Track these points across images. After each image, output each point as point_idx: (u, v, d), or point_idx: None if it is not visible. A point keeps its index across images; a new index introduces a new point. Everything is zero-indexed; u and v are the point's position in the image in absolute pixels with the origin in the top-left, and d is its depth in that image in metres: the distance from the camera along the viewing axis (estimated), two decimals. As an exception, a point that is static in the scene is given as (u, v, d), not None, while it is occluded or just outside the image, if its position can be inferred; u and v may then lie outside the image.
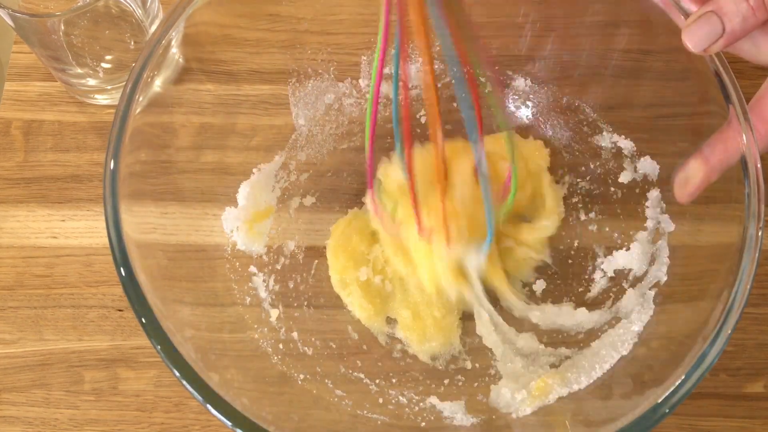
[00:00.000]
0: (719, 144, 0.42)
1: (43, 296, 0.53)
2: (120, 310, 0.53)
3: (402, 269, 0.51)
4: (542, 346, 0.50)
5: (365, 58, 0.57)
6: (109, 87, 0.58)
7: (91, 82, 0.57)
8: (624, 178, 0.53)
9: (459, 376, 0.49)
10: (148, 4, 0.56)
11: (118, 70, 0.58)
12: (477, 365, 0.50)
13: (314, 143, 0.56)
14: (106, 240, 0.40)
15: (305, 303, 0.52)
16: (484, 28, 0.56)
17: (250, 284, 0.51)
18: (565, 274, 0.52)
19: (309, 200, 0.55)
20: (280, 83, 0.55)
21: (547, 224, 0.52)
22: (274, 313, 0.51)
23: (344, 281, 0.51)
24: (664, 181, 0.51)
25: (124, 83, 0.44)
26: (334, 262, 0.52)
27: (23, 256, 0.54)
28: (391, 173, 0.52)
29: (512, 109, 0.57)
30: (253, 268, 0.52)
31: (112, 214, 0.41)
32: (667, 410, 0.38)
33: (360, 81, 0.57)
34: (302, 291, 0.52)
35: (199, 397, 0.38)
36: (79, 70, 0.56)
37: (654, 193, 0.52)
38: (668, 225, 0.50)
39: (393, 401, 0.48)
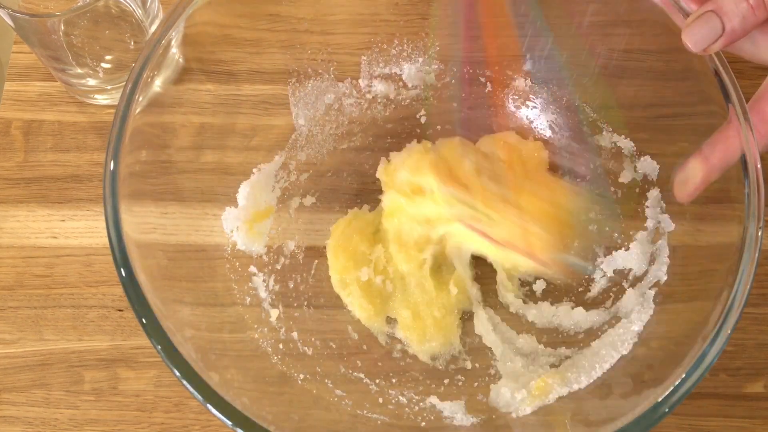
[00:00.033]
0: (719, 144, 0.42)
1: (43, 296, 0.53)
2: (120, 310, 0.53)
3: (404, 266, 0.51)
4: (542, 346, 0.50)
5: (365, 58, 0.57)
6: (109, 87, 0.58)
7: (91, 82, 0.57)
8: (624, 177, 0.53)
9: (459, 376, 0.49)
10: (148, 4, 0.56)
11: (118, 70, 0.58)
12: (477, 365, 0.50)
13: (314, 143, 0.56)
14: (106, 240, 0.40)
15: (305, 303, 0.52)
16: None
17: (250, 284, 0.51)
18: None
19: (309, 200, 0.55)
20: (280, 83, 0.55)
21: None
22: (274, 313, 0.51)
23: (344, 281, 0.51)
24: (664, 181, 0.51)
25: (124, 83, 0.44)
26: (334, 262, 0.52)
27: (23, 256, 0.54)
28: (392, 173, 0.53)
29: (512, 109, 0.57)
30: (253, 268, 0.52)
31: (112, 214, 0.41)
32: (667, 410, 0.38)
33: (360, 81, 0.57)
34: (302, 291, 0.52)
35: (200, 397, 0.38)
36: (79, 70, 0.56)
37: (654, 193, 0.51)
38: (668, 225, 0.50)
39: (393, 401, 0.48)
